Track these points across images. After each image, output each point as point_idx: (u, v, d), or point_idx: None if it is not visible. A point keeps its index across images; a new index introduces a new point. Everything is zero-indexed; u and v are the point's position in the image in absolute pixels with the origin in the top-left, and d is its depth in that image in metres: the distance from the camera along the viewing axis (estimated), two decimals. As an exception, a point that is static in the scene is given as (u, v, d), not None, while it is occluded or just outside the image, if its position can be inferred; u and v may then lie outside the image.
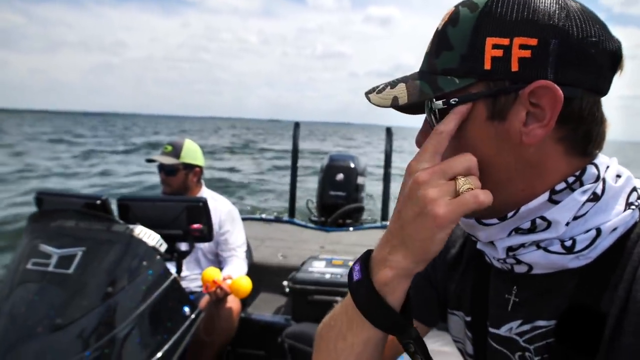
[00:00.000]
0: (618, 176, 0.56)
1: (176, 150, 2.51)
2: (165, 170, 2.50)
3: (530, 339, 0.59)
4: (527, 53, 0.50)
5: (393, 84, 0.59)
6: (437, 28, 0.57)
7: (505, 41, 0.50)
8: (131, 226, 1.78)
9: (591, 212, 0.53)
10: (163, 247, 1.83)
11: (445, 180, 0.51)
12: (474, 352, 0.70)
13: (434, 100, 0.55)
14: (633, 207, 0.54)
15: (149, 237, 1.79)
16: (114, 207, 2.03)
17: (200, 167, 2.59)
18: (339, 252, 3.46)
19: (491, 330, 0.65)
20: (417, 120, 0.64)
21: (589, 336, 0.51)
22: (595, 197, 0.53)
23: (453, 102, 0.54)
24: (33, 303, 1.54)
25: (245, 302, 2.56)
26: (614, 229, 0.53)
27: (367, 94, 0.61)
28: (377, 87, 0.61)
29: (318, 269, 2.51)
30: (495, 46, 0.51)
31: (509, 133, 0.53)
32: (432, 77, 0.56)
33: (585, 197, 0.53)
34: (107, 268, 1.69)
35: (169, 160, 2.48)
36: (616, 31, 0.54)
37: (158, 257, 1.77)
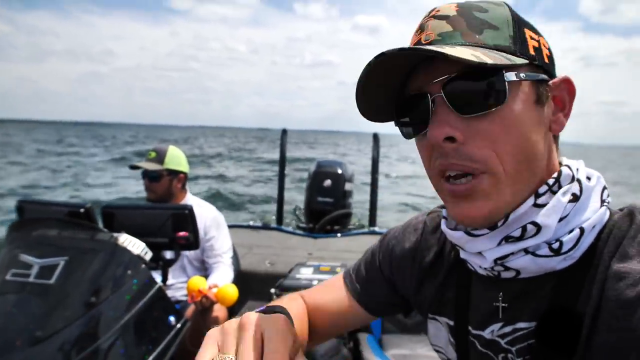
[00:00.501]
0: (588, 178, 0.58)
1: (160, 157, 2.49)
2: (149, 177, 2.48)
3: (511, 341, 0.59)
4: (547, 51, 0.56)
5: (441, 45, 0.51)
6: (448, 14, 0.54)
7: (535, 35, 0.55)
8: (115, 234, 1.75)
9: (572, 213, 0.54)
10: (148, 256, 1.80)
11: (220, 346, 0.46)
12: (457, 358, 0.69)
13: (504, 71, 0.50)
14: (605, 204, 0.56)
15: (134, 245, 1.76)
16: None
17: (184, 173, 2.58)
18: (327, 258, 3.44)
19: (475, 332, 0.64)
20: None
21: (568, 336, 0.51)
22: (575, 198, 0.54)
23: (524, 77, 0.52)
24: (12, 315, 1.49)
25: (233, 310, 2.53)
26: (593, 227, 0.54)
27: (415, 49, 0.50)
28: (410, 47, 0.52)
29: (306, 275, 2.49)
30: (531, 37, 0.54)
31: (544, 120, 0.55)
32: (488, 50, 0.51)
33: (567, 198, 0.54)
34: (91, 277, 1.65)
35: (152, 167, 2.46)
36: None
37: (143, 265, 1.74)
